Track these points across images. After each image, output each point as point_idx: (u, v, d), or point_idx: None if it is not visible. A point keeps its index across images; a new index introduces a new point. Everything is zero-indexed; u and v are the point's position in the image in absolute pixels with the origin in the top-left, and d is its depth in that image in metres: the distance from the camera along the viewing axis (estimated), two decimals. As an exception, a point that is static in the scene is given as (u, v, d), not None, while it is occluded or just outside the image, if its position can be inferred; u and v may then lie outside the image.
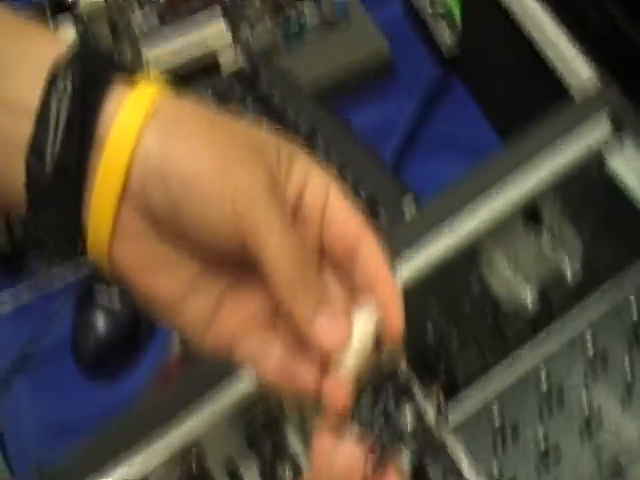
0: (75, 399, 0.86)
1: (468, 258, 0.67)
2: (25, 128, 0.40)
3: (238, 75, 0.93)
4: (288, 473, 0.58)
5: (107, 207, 0.41)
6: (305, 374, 0.43)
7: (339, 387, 0.42)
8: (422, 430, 0.60)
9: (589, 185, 0.69)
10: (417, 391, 0.61)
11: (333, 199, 0.43)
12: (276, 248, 0.40)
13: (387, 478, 0.43)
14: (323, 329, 0.41)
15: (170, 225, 0.41)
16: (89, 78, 0.40)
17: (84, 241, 0.42)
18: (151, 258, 0.42)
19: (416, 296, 0.66)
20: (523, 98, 0.90)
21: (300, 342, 0.42)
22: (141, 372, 0.87)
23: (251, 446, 0.60)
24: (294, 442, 0.59)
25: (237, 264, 0.42)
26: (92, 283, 0.86)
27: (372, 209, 0.85)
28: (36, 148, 0.40)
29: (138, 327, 0.87)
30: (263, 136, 0.43)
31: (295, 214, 0.43)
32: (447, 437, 0.61)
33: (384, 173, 0.89)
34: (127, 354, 0.87)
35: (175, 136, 0.41)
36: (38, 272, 0.89)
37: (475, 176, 0.67)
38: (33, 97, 0.40)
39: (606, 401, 0.72)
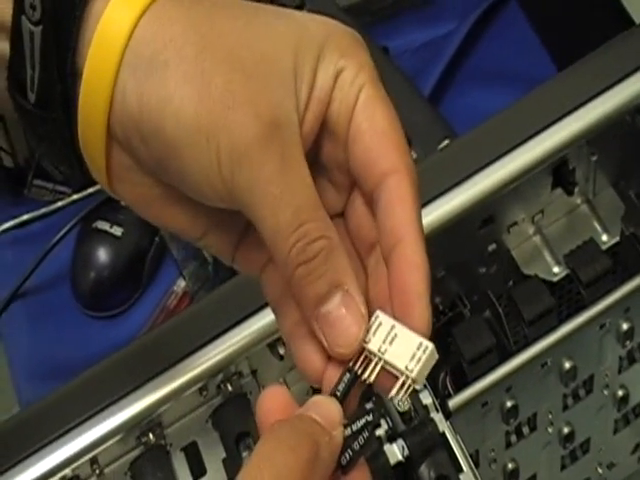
0: (71, 335, 0.81)
1: (486, 219, 0.58)
2: (4, 47, 0.35)
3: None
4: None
5: (96, 147, 0.35)
6: (311, 360, 0.35)
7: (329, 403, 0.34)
8: (419, 421, 0.52)
9: (633, 139, 0.58)
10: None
11: (361, 111, 0.34)
12: (272, 229, 0.33)
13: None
14: (327, 323, 0.34)
15: (160, 177, 0.35)
16: None
17: (86, 171, 0.37)
18: (154, 196, 0.36)
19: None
20: (584, 26, 0.80)
21: None
22: (143, 308, 0.81)
23: (216, 428, 0.53)
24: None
25: None
26: (95, 205, 0.80)
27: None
28: (15, 75, 0.35)
29: (143, 259, 0.80)
30: (275, 42, 0.34)
31: (324, 125, 0.35)
32: (447, 429, 0.53)
33: (421, 109, 0.80)
34: (129, 287, 0.81)
35: (154, 75, 0.33)
36: (40, 190, 0.83)
37: (498, 123, 0.57)
38: (8, 10, 0.34)
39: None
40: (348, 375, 0.34)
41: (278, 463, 0.31)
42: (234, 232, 0.37)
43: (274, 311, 0.37)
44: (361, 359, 0.34)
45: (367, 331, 0.34)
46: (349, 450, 0.34)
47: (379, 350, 0.34)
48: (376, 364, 0.34)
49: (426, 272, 0.34)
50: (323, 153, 0.35)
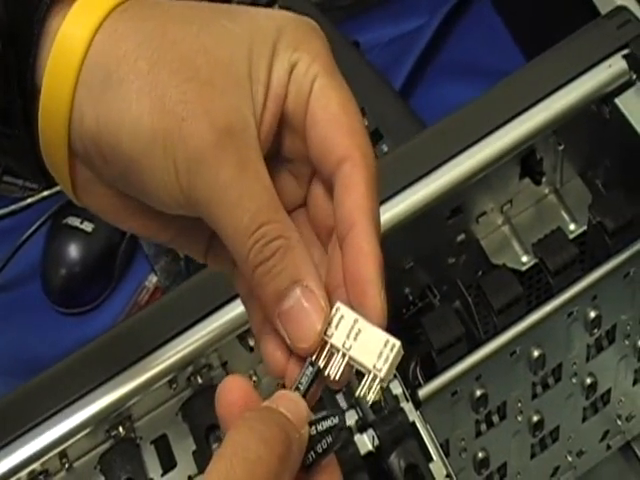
0: (42, 332, 0.80)
1: (454, 209, 0.58)
2: None
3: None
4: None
5: (58, 163, 0.36)
6: (274, 356, 0.35)
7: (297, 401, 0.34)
8: (389, 411, 0.53)
9: (599, 129, 0.59)
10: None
11: (315, 100, 0.34)
12: (231, 233, 0.33)
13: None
14: (287, 319, 0.34)
15: (123, 190, 0.36)
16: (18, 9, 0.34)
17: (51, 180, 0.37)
18: (121, 206, 0.37)
19: (392, 251, 0.57)
20: (553, 19, 0.80)
21: None
22: (114, 304, 0.81)
23: (185, 421, 0.53)
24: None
25: None
26: (65, 201, 0.79)
27: (374, 142, 0.77)
28: None
29: (114, 255, 0.80)
30: (229, 45, 0.34)
31: (282, 120, 0.35)
32: (417, 418, 0.53)
33: (392, 103, 0.80)
34: (100, 284, 0.81)
35: (109, 93, 0.34)
36: (9, 186, 0.82)
37: (466, 114, 0.57)
38: None
39: (614, 374, 0.65)
40: (311, 369, 0.34)
41: (251, 455, 0.31)
42: (204, 233, 0.37)
43: (245, 307, 0.38)
44: (324, 353, 0.34)
45: (329, 324, 0.34)
46: (312, 452, 0.33)
47: (343, 345, 0.34)
48: (341, 359, 0.34)
49: (377, 259, 0.34)
50: (284, 146, 0.36)
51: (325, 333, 0.34)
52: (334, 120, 0.34)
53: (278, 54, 0.34)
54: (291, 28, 0.35)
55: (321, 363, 0.34)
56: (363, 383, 0.34)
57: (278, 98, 0.34)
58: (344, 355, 0.34)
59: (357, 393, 0.34)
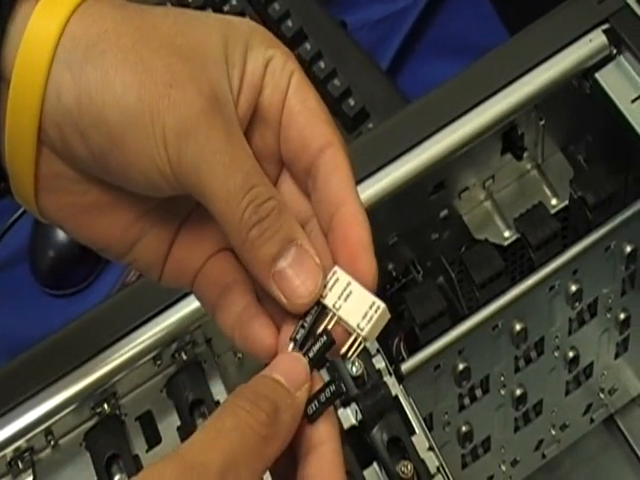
0: (31, 314, 0.81)
1: (437, 185, 0.59)
2: None
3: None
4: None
5: (24, 155, 0.35)
6: (262, 336, 0.36)
7: (295, 363, 0.35)
8: (372, 385, 0.53)
9: (580, 104, 0.59)
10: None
11: (293, 94, 0.36)
12: (223, 197, 0.34)
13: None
14: (284, 278, 0.35)
15: (99, 174, 0.36)
16: None
17: (8, 187, 0.36)
18: (86, 205, 0.37)
19: (376, 227, 0.58)
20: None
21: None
22: (103, 285, 0.81)
23: (170, 397, 0.53)
24: (216, 392, 0.53)
25: (188, 198, 0.36)
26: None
27: (361, 121, 0.77)
28: None
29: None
30: (205, 31, 0.36)
31: (255, 113, 0.36)
32: (400, 392, 0.53)
33: (379, 82, 0.80)
34: (88, 265, 0.81)
35: (91, 66, 0.34)
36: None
37: (448, 89, 0.58)
38: None
39: (596, 347, 0.65)
40: (303, 330, 0.35)
41: (229, 429, 0.32)
42: (167, 234, 0.38)
43: (214, 313, 0.38)
44: (313, 313, 0.35)
45: (324, 286, 0.35)
46: (315, 401, 0.35)
47: (334, 306, 0.35)
48: (330, 319, 0.35)
49: (369, 228, 0.36)
50: (252, 144, 0.36)
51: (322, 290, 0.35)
52: (313, 112, 0.36)
53: (252, 47, 0.36)
54: (260, 30, 0.37)
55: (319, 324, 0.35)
56: (349, 342, 0.35)
57: (254, 89, 0.36)
58: (333, 315, 0.35)
59: (342, 351, 0.36)
